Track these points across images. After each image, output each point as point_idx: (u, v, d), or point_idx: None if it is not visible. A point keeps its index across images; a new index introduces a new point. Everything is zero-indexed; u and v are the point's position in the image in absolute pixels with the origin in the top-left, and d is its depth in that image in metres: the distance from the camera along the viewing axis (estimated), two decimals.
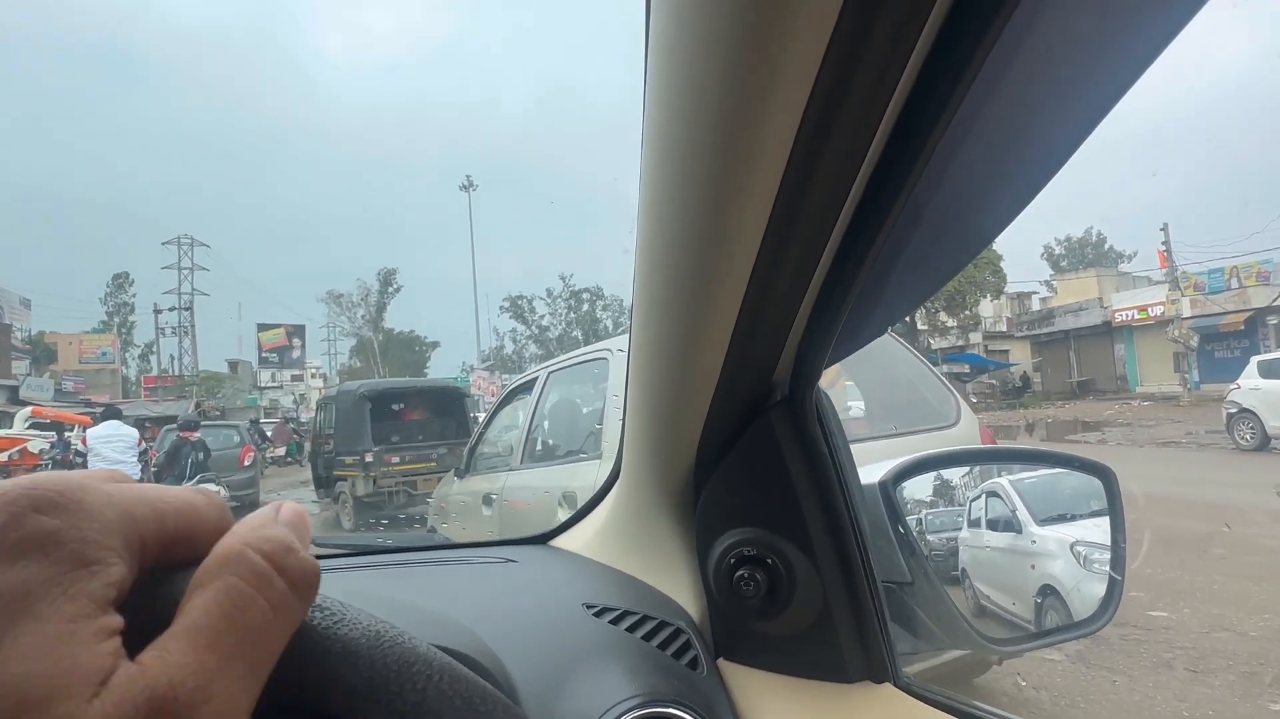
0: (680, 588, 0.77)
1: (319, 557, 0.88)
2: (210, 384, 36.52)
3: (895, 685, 0.66)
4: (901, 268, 0.56)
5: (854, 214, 0.47)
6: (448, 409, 10.74)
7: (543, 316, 48.86)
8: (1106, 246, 42.39)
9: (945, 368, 25.20)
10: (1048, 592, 0.99)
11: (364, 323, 51.69)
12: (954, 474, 0.98)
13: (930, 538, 0.96)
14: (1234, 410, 12.08)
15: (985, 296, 28.46)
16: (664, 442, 0.72)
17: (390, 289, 51.03)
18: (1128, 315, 27.75)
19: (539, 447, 3.83)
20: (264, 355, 49.74)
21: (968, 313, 27.82)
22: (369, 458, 9.20)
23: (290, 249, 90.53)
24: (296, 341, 51.20)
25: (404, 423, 10.53)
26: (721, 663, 0.71)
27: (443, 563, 0.95)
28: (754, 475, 0.66)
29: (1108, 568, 0.91)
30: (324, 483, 10.59)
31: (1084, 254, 41.65)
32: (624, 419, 0.78)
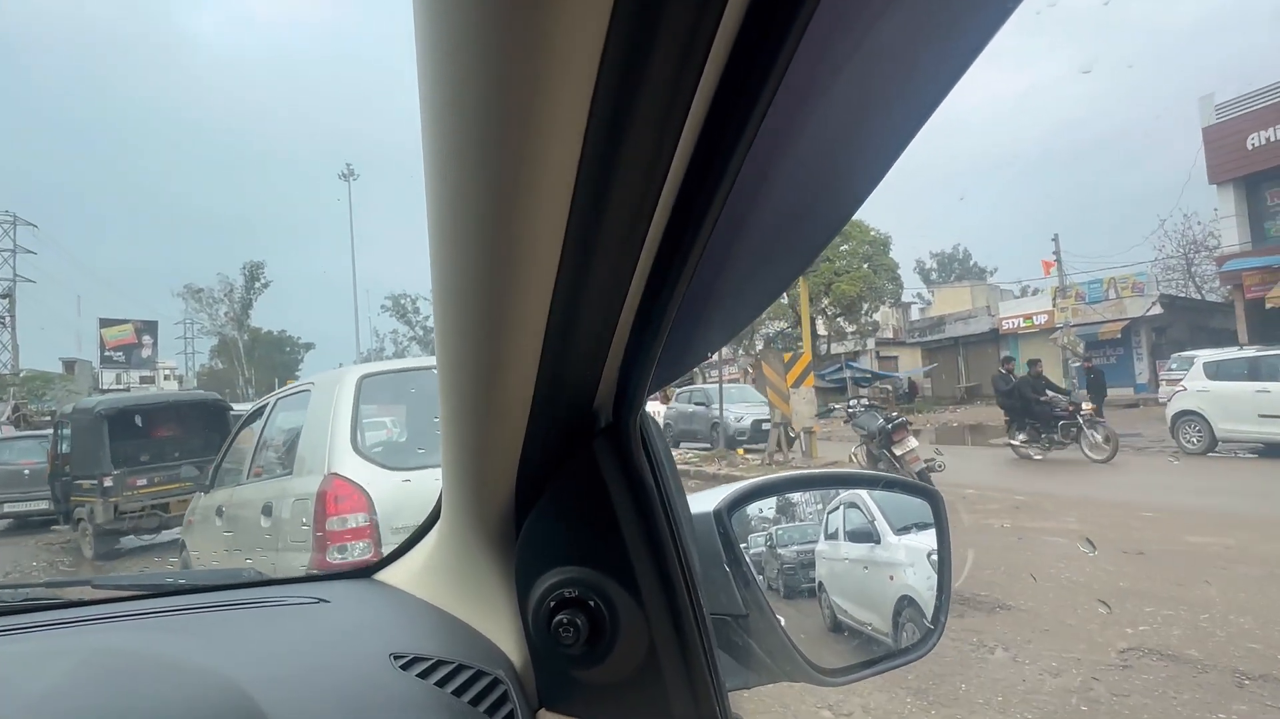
0: (502, 631, 0.73)
1: (82, 602, 0.92)
2: (34, 385, 32.00)
3: None
4: (724, 287, 0.56)
5: (665, 232, 0.45)
6: (208, 424, 9.99)
7: (427, 318, 46.56)
8: (971, 262, 46.35)
9: (848, 373, 25.24)
10: (906, 603, 0.99)
11: (227, 321, 47.99)
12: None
13: (783, 551, 0.96)
14: (1178, 412, 12.03)
15: (883, 303, 28.90)
16: (478, 473, 0.67)
17: (257, 284, 47.62)
18: (1014, 324, 29.13)
19: (261, 463, 4.20)
20: (107, 354, 45.94)
21: (866, 319, 28.16)
22: (108, 482, 8.63)
23: (143, 240, 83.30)
24: (147, 339, 47.63)
25: (154, 440, 9.84)
26: (543, 715, 0.68)
27: (242, 605, 0.87)
28: (576, 509, 0.63)
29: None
30: (63, 510, 9.96)
31: (952, 268, 44.37)
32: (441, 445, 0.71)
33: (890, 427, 8.05)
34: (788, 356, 13.71)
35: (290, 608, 0.86)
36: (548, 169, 0.40)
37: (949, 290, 36.75)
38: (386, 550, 2.88)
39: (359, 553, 3.18)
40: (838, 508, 1.04)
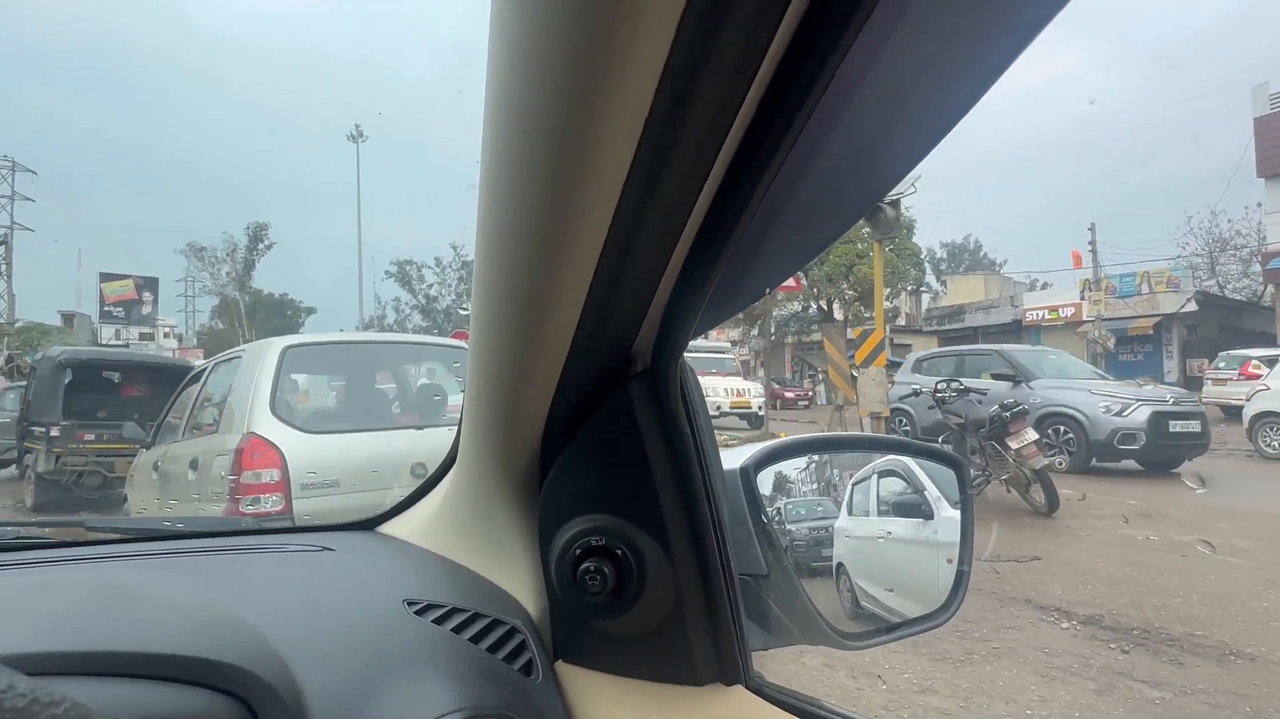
0: (519, 582, 0.72)
1: (76, 542, 0.90)
2: (29, 336, 31.53)
3: (746, 687, 0.64)
4: (778, 230, 0.56)
5: (727, 172, 0.45)
6: (166, 387, 9.74)
7: (431, 286, 46.06)
8: (982, 253, 46.03)
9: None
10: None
11: (229, 281, 47.65)
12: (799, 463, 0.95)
13: (791, 528, 0.93)
14: (1259, 413, 11.24)
15: (905, 289, 28.12)
16: (506, 415, 0.65)
17: (261, 245, 47.22)
18: (1038, 315, 28.32)
19: (195, 422, 4.50)
20: (107, 309, 46.25)
21: (888, 304, 27.40)
22: (55, 432, 8.54)
23: (147, 195, 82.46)
24: (148, 296, 47.71)
25: (114, 399, 9.79)
26: (560, 666, 0.67)
27: (243, 550, 0.86)
28: (607, 455, 0.62)
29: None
30: (19, 455, 10.08)
31: (963, 258, 44.18)
32: (464, 389, 0.71)
33: (1009, 415, 6.96)
34: (857, 332, 12.75)
35: (294, 554, 0.84)
36: (618, 120, 0.40)
37: (961, 280, 36.14)
38: (298, 504, 3.18)
39: (269, 505, 3.45)
40: (868, 478, 0.99)
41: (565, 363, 0.58)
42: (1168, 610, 4.04)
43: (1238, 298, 27.77)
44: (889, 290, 28.11)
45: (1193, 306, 24.79)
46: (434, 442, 3.94)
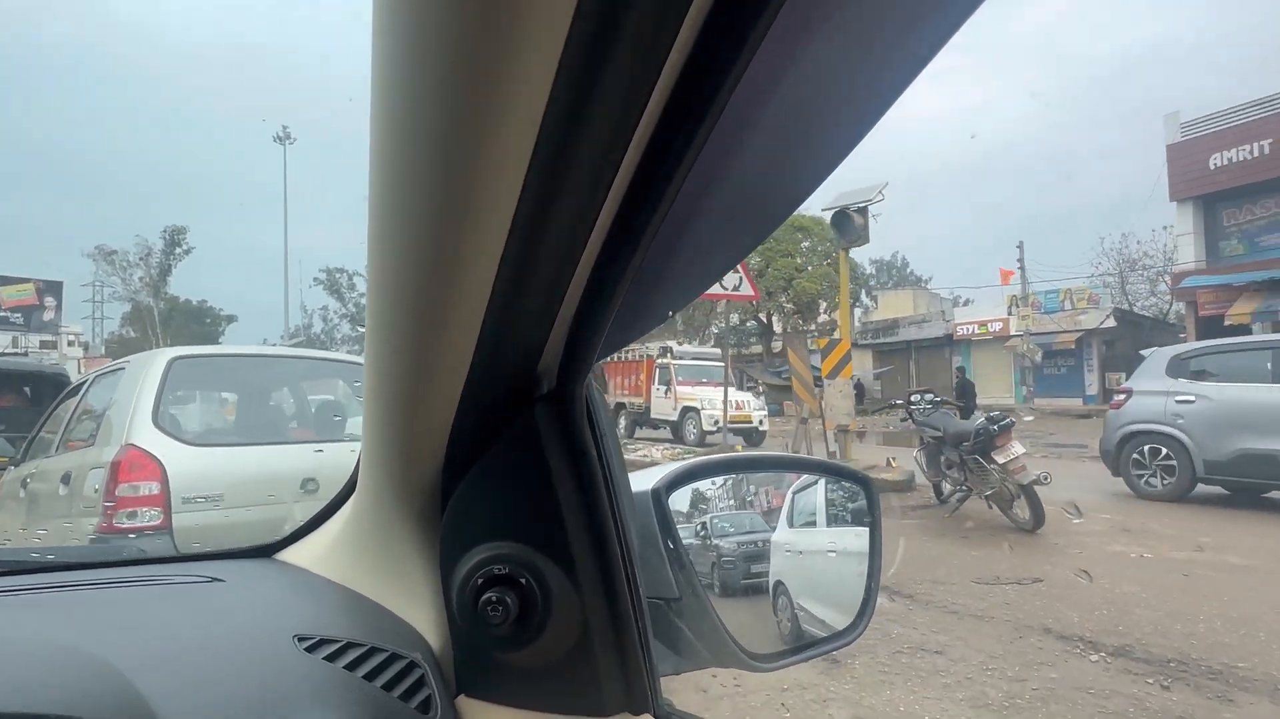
0: (420, 613, 0.70)
1: None
2: None
3: (654, 716, 0.63)
4: (683, 251, 0.56)
5: (626, 194, 0.45)
6: (40, 397, 9.13)
7: (362, 295, 44.67)
8: (909, 269, 48.00)
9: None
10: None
11: (142, 286, 45.10)
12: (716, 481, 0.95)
13: (719, 543, 0.94)
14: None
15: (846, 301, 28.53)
16: (405, 439, 0.63)
17: (179, 250, 44.85)
18: (968, 330, 29.18)
19: (71, 437, 4.31)
20: (3, 314, 43.21)
21: (826, 318, 27.80)
22: None
23: (51, 194, 77.36)
24: (50, 301, 45.08)
25: None
26: (462, 701, 0.65)
27: (122, 583, 0.79)
28: (511, 480, 0.60)
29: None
30: None
31: (890, 274, 45.97)
32: (363, 408, 0.68)
33: (996, 428, 6.68)
34: (823, 342, 12.51)
35: (178, 587, 0.79)
36: (510, 120, 0.39)
37: (891, 295, 37.17)
38: (179, 519, 3.01)
39: (147, 520, 3.36)
40: (812, 484, 1.01)
41: (465, 385, 0.57)
42: (1196, 638, 3.90)
43: (1147, 315, 29.37)
44: (826, 304, 28.50)
45: (1111, 322, 26.03)
46: (331, 458, 3.91)
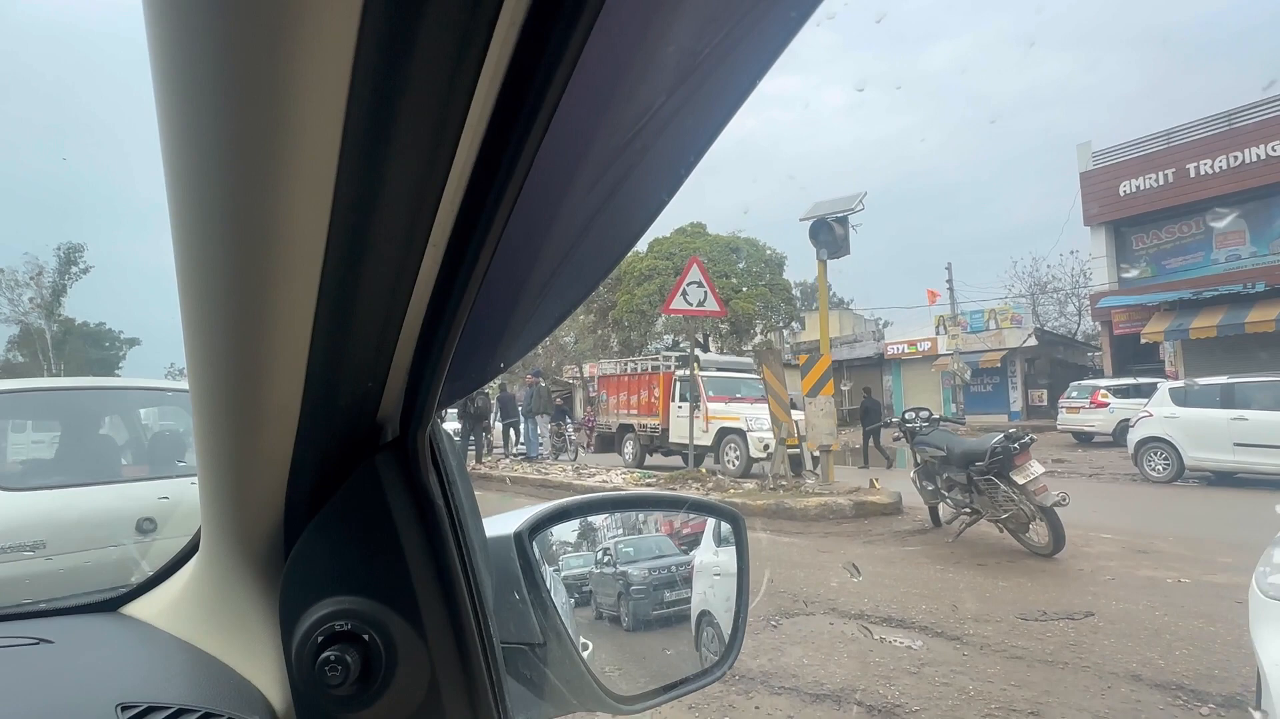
0: (263, 673, 0.67)
1: None
2: None
3: None
4: (521, 296, 0.56)
5: (450, 238, 0.44)
6: None
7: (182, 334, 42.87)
8: (831, 292, 49.06)
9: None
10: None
11: (33, 308, 41.83)
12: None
13: (626, 570, 0.94)
14: (1144, 439, 11.76)
15: (779, 324, 28.81)
16: (238, 491, 0.61)
17: (74, 269, 41.83)
18: (898, 349, 29.81)
19: None
20: None
21: (762, 338, 27.92)
22: None
23: None
24: None
25: None
26: None
27: None
28: (354, 532, 0.58)
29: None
30: None
31: (814, 297, 47.70)
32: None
33: (1016, 446, 6.22)
34: (803, 359, 12.12)
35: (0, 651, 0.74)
36: (305, 148, 0.37)
37: (817, 316, 38.15)
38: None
39: None
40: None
41: (296, 438, 0.55)
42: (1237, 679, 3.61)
43: (1058, 334, 30.87)
44: (762, 325, 28.67)
45: (1033, 341, 27.03)
46: (167, 494, 3.74)
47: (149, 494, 3.69)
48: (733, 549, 1.00)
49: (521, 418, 16.28)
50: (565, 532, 0.88)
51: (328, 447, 0.57)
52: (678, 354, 16.42)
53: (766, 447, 12.48)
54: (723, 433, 13.97)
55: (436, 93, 0.35)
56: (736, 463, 13.62)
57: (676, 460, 15.43)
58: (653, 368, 17.09)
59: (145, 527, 3.55)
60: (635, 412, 16.86)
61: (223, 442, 0.58)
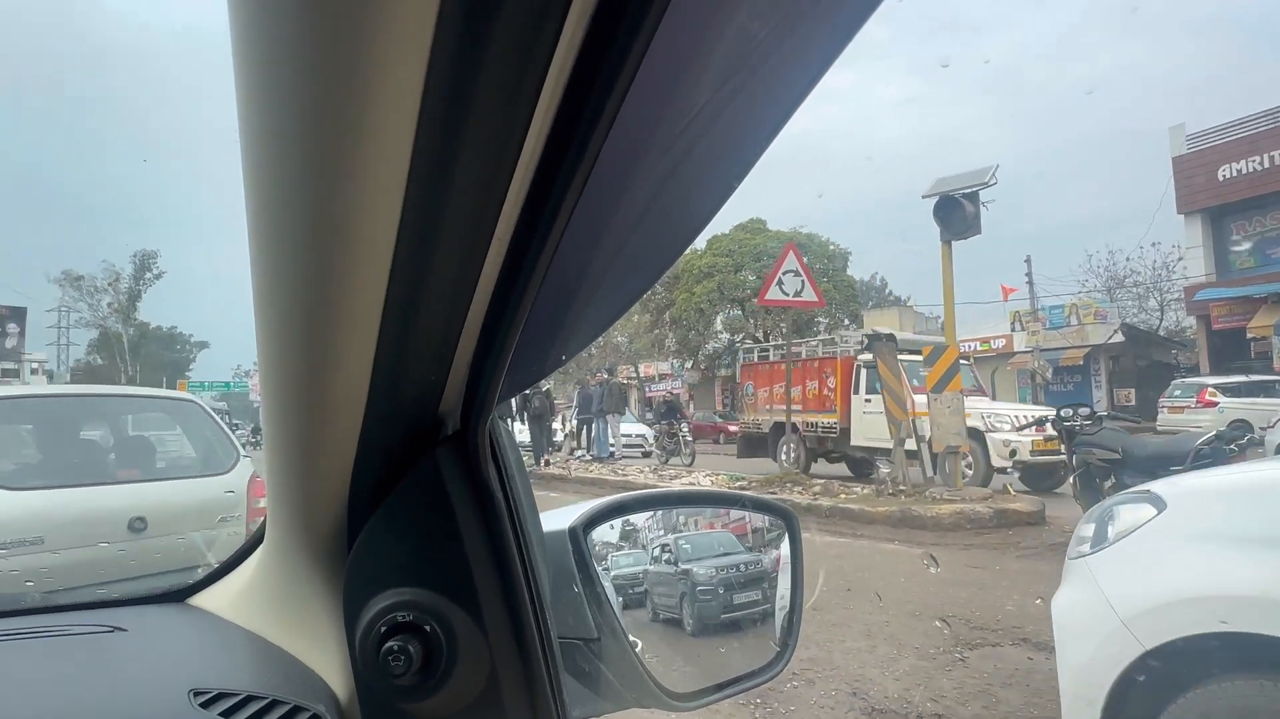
0: (327, 663, 0.69)
1: None
2: None
3: None
4: (582, 289, 0.57)
5: (515, 230, 0.45)
6: None
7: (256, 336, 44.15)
8: (888, 290, 48.48)
9: None
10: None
11: (111, 312, 43.63)
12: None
13: (690, 568, 0.93)
14: None
15: (844, 321, 27.94)
16: (305, 484, 0.63)
17: (149, 275, 43.55)
18: (969, 346, 28.45)
19: None
20: None
21: (827, 335, 27.11)
22: None
23: (13, 218, 75.33)
24: (13, 327, 44.08)
25: None
26: None
27: (19, 635, 0.76)
28: (415, 525, 0.60)
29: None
30: None
31: (870, 295, 46.58)
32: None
33: (1233, 449, 5.20)
34: (926, 351, 10.34)
35: (75, 638, 0.77)
36: (379, 146, 0.39)
37: (876, 314, 36.82)
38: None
39: None
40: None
41: (362, 431, 0.57)
42: None
43: (1142, 328, 29.05)
44: (827, 322, 27.79)
45: (1119, 338, 25.50)
46: (156, 496, 3.98)
47: (140, 494, 3.93)
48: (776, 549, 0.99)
49: (593, 417, 15.69)
50: (614, 530, 0.86)
51: (391, 440, 0.58)
52: (866, 333, 13.00)
53: (1014, 452, 10.19)
54: None
55: (506, 89, 0.36)
56: (968, 473, 10.45)
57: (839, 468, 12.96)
58: (825, 351, 13.95)
59: (136, 525, 3.76)
60: (798, 407, 13.10)
61: (291, 435, 0.60)
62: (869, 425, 11.81)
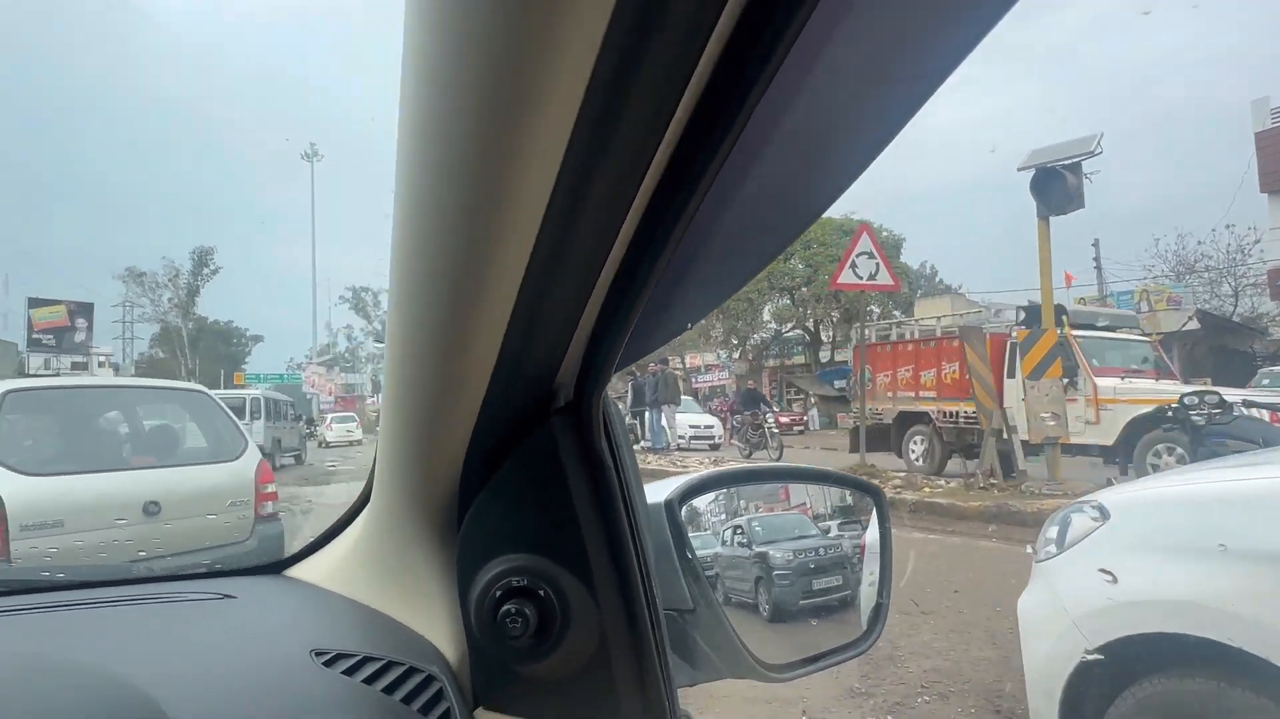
0: (436, 627, 0.71)
1: None
2: None
3: None
4: (702, 264, 0.57)
5: (651, 200, 0.46)
6: None
7: (387, 312, 44.96)
8: (938, 279, 47.61)
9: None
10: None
11: (171, 307, 45.15)
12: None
13: (766, 551, 0.91)
14: None
15: (896, 310, 27.16)
16: (423, 452, 0.65)
17: (206, 270, 44.97)
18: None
19: None
20: (35, 336, 43.80)
21: (880, 322, 26.39)
22: None
23: (82, 218, 79.19)
24: (81, 323, 45.77)
25: None
26: (481, 714, 0.66)
27: (130, 601, 0.79)
28: (529, 492, 0.61)
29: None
30: None
31: (920, 283, 45.56)
32: (380, 423, 0.71)
33: None
34: (1021, 334, 9.72)
35: (190, 604, 0.79)
36: (541, 130, 0.40)
37: (927, 302, 35.81)
38: (19, 545, 3.40)
39: None
40: None
41: (484, 398, 0.58)
42: None
43: (1216, 314, 27.41)
44: (879, 310, 27.03)
45: (1195, 325, 24.17)
46: (168, 482, 4.22)
47: (154, 480, 4.18)
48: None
49: (647, 408, 15.29)
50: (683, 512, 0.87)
51: (510, 409, 0.59)
52: (1023, 305, 11.52)
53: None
54: (1142, 424, 8.89)
55: (660, 81, 0.38)
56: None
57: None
58: (952, 329, 12.27)
59: (151, 509, 3.97)
60: (932, 393, 11.47)
61: (417, 407, 0.61)
62: (1047, 413, 9.22)
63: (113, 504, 3.91)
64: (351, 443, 25.85)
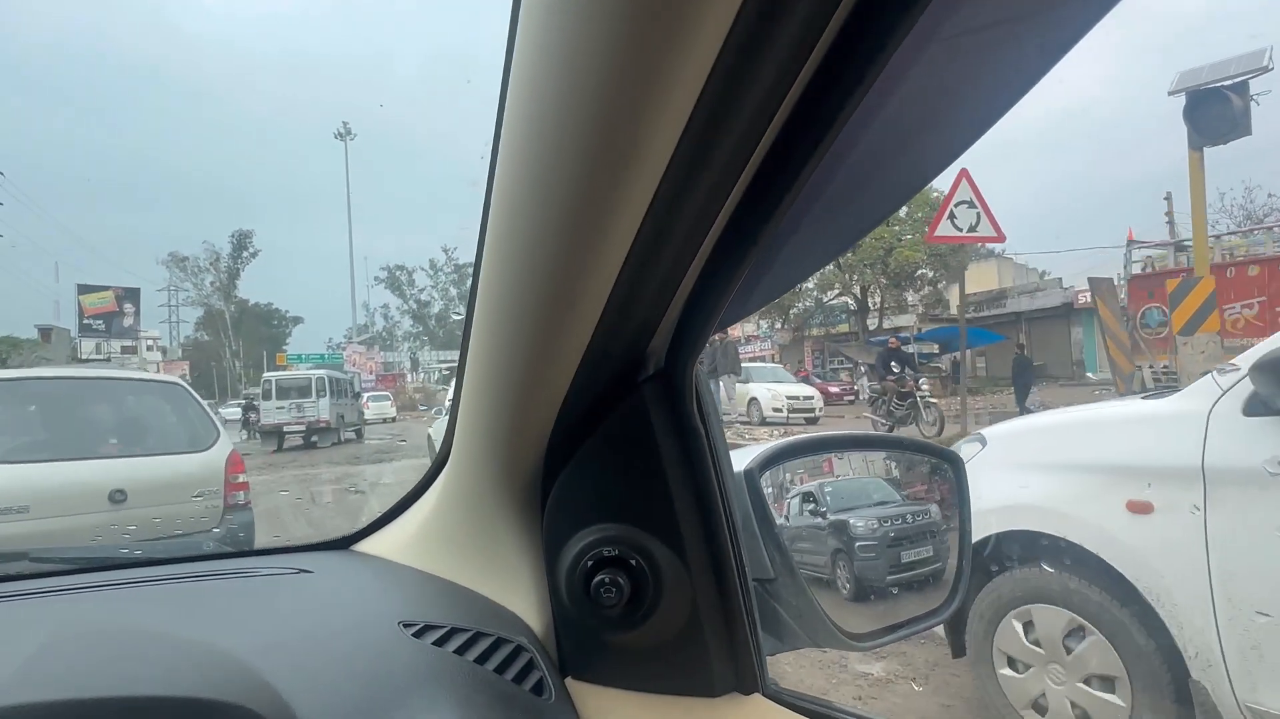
0: (519, 597, 0.71)
1: (22, 575, 0.82)
2: (1, 349, 29.72)
3: (764, 695, 0.64)
4: (804, 228, 0.57)
5: (758, 170, 0.46)
6: None
7: (423, 290, 44.99)
8: (980, 245, 45.45)
9: (915, 347, 22.03)
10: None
11: (213, 290, 45.87)
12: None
13: (853, 522, 0.88)
14: None
15: (941, 278, 26.17)
16: (512, 423, 0.65)
17: (245, 253, 45.60)
18: (1090, 297, 26.09)
19: None
20: (86, 322, 44.77)
21: (931, 290, 25.46)
22: None
23: (127, 204, 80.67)
24: (129, 308, 46.52)
25: None
26: (571, 683, 0.66)
27: (211, 576, 0.81)
28: (619, 461, 0.61)
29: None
30: None
31: (961, 248, 44.36)
32: (457, 394, 0.70)
33: None
34: (1172, 284, 8.51)
35: (270, 578, 0.80)
36: (667, 102, 0.40)
37: (975, 267, 34.46)
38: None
39: None
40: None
41: (579, 367, 0.58)
42: None
43: None
44: (933, 275, 26.07)
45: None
46: (133, 470, 4.27)
47: (120, 469, 4.25)
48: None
49: (707, 378, 14.45)
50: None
51: (601, 377, 0.59)
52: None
53: None
54: None
55: (770, 72, 0.38)
56: None
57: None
58: (1092, 280, 11.23)
59: (117, 497, 4.05)
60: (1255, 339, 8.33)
61: (508, 373, 0.60)
62: None
63: (80, 491, 4.04)
64: (385, 419, 26.37)
